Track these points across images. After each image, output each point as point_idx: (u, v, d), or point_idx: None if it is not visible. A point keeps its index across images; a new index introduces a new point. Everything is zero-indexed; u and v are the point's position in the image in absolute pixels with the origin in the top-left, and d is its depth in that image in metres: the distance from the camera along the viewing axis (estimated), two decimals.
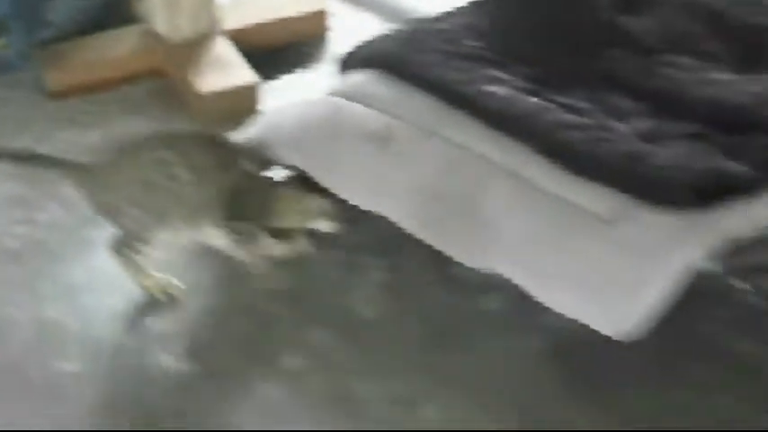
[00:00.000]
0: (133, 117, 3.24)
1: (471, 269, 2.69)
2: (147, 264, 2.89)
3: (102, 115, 3.24)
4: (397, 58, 2.95)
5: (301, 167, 2.90)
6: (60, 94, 3.33)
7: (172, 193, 2.83)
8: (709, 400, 2.53)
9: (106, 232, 2.87)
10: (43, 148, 3.15)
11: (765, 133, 2.67)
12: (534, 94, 2.81)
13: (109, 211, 2.85)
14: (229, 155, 2.88)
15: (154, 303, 2.95)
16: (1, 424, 2.62)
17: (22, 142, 3.24)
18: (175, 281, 2.96)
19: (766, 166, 2.61)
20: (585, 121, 2.74)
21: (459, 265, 2.69)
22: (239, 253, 2.87)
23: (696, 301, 2.54)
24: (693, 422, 2.50)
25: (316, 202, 2.85)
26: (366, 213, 2.81)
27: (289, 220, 2.88)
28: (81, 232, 3.06)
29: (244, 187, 2.85)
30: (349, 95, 2.93)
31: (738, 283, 2.63)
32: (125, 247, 2.86)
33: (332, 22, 3.56)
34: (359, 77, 2.98)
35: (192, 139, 2.88)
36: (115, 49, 3.38)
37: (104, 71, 3.33)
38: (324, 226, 2.87)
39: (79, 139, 3.26)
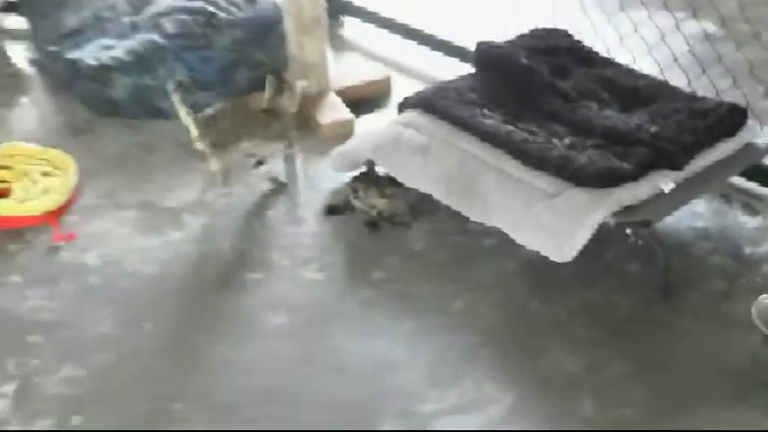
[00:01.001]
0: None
1: (476, 222, 2.71)
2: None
3: None
4: (431, 103, 2.98)
5: (378, 164, 2.89)
6: None
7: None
8: (609, 298, 2.56)
9: None
10: None
11: (639, 145, 2.65)
12: (508, 123, 2.83)
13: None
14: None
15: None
16: None
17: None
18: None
19: (640, 164, 2.61)
20: (537, 138, 2.78)
21: (469, 219, 2.72)
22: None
23: (601, 241, 2.56)
24: (598, 309, 2.51)
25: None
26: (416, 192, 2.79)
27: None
28: None
29: None
30: (405, 124, 2.95)
31: (626, 229, 2.58)
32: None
33: (394, 83, 3.51)
34: (410, 114, 3.01)
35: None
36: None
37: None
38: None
39: None
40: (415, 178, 2.83)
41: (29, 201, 2.89)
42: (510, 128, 2.79)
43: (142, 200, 2.96)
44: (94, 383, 2.32)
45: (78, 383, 2.32)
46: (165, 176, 3.07)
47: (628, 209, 2.56)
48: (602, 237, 2.53)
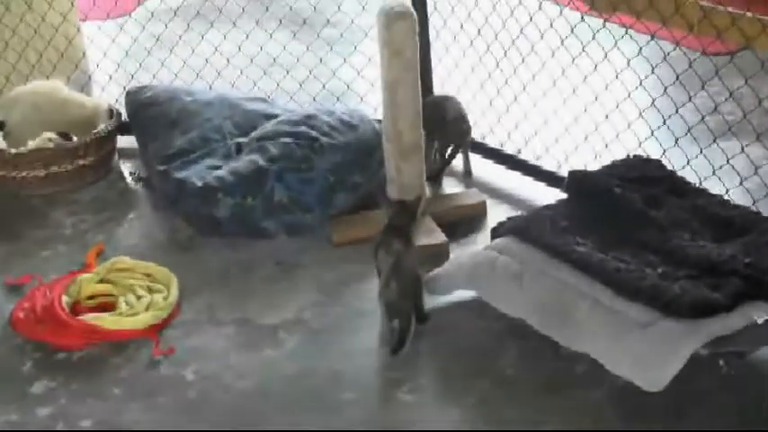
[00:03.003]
0: None
1: (572, 351, 2.71)
2: None
3: (365, 255, 3.07)
4: (524, 230, 3.02)
5: (471, 290, 2.95)
6: (340, 245, 3.32)
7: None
8: (701, 429, 2.51)
9: None
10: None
11: (732, 276, 2.64)
12: (601, 252, 2.83)
13: None
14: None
15: None
16: None
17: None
18: None
19: (734, 296, 2.58)
20: (630, 267, 2.79)
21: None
22: None
23: (693, 371, 2.53)
24: None
25: None
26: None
27: None
28: None
29: None
30: (499, 250, 2.97)
31: (719, 361, 2.55)
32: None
33: (489, 208, 3.55)
34: (504, 240, 3.05)
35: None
36: (372, 218, 3.32)
37: (365, 231, 3.25)
38: None
39: (352, 271, 3.19)
40: (510, 304, 2.86)
41: (133, 315, 2.97)
42: (602, 257, 2.80)
43: (240, 317, 3.02)
44: None
45: None
46: (263, 295, 3.14)
47: (721, 339, 2.54)
48: (695, 365, 2.51)
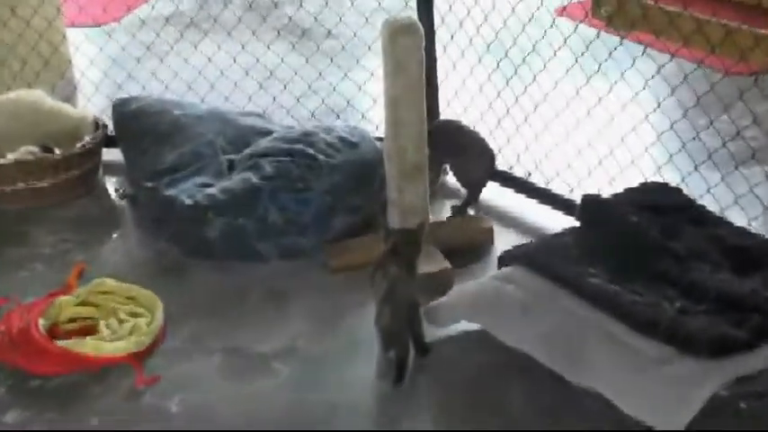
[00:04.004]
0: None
1: (580, 387, 2.68)
2: None
3: (363, 282, 3.00)
4: (533, 258, 3.01)
5: (476, 322, 2.94)
6: (336, 271, 3.29)
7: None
8: None
9: None
10: None
11: (755, 312, 2.61)
12: (615, 283, 2.82)
13: None
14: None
15: None
16: None
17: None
18: None
19: (757, 333, 2.55)
20: (645, 300, 2.77)
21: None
22: None
23: (713, 411, 2.50)
24: None
25: None
26: None
27: None
28: None
29: None
30: (505, 279, 2.94)
31: (740, 403, 2.53)
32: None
33: (495, 234, 3.52)
34: (511, 269, 3.03)
35: None
36: (369, 244, 3.28)
37: (364, 256, 3.19)
38: None
39: (350, 299, 3.16)
40: (515, 337, 2.83)
41: (115, 341, 2.94)
42: (617, 288, 2.79)
43: (230, 345, 2.99)
44: None
45: None
46: (254, 322, 3.11)
47: (742, 379, 2.53)
48: (713, 405, 2.48)
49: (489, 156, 3.67)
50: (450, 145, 3.61)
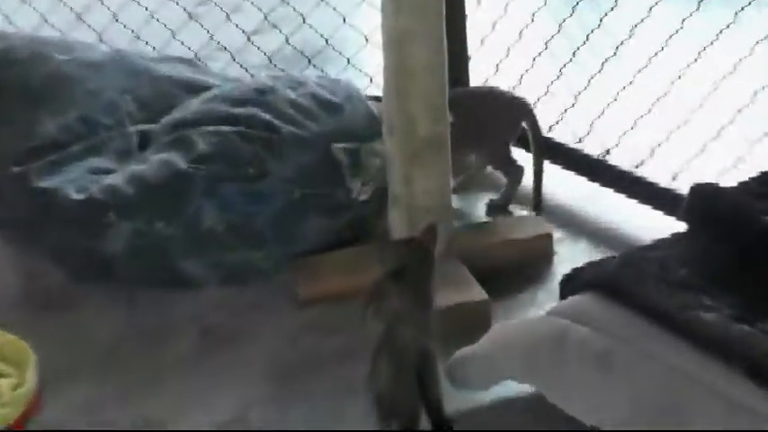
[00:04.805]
0: None
1: None
2: None
3: (347, 318, 3.01)
4: (617, 284, 2.97)
5: (527, 383, 2.95)
6: (309, 303, 3.33)
7: None
8: None
9: None
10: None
11: None
12: (742, 321, 2.79)
13: None
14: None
15: None
16: None
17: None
18: None
19: None
20: None
21: None
22: None
23: None
24: None
25: None
26: None
27: None
28: None
29: None
30: (573, 317, 2.90)
31: None
32: None
33: (557, 244, 3.57)
34: (581, 299, 3.01)
35: None
36: (357, 262, 3.30)
37: (348, 282, 3.22)
38: None
39: (326, 344, 3.20)
40: (589, 404, 2.81)
41: None
42: (746, 329, 2.76)
43: (143, 416, 2.98)
44: None
45: None
46: (180, 381, 3.10)
47: None
48: None
49: (519, 105, 3.76)
50: (479, 120, 3.66)
